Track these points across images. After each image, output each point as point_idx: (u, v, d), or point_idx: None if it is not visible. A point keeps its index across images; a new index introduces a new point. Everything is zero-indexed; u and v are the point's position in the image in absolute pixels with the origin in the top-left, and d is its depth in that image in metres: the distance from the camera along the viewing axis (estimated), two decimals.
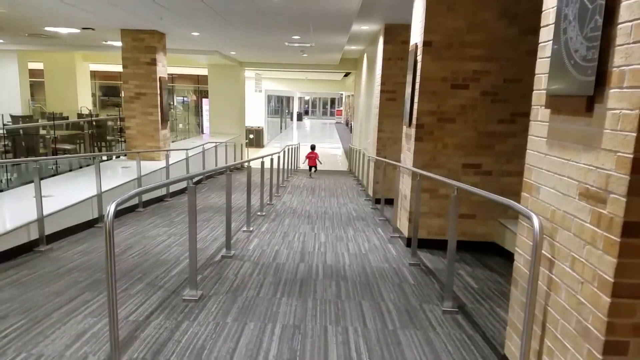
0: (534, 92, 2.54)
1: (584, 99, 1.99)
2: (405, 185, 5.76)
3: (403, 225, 5.79)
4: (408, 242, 5.45)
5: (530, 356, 2.35)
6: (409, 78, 5.60)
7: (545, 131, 2.38)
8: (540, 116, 2.45)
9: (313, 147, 14.71)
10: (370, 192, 9.29)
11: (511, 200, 2.58)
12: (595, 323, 1.86)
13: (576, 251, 2.03)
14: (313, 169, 14.45)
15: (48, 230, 5.20)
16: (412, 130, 5.38)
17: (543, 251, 2.31)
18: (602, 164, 1.87)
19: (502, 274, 4.68)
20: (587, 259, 1.94)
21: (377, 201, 8.29)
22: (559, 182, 2.21)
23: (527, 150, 2.58)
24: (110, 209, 2.22)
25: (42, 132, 9.23)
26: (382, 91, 8.73)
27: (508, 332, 2.69)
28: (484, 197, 3.15)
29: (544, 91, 2.39)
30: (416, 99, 5.26)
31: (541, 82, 2.46)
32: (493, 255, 5.30)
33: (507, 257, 5.14)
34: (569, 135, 2.14)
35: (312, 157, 14.32)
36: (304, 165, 15.68)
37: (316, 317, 3.42)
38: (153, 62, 9.64)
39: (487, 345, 3.09)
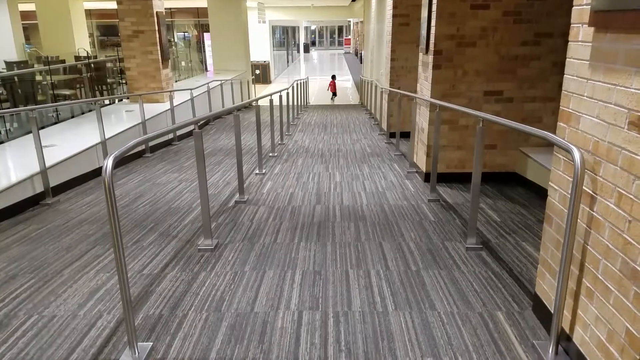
0: (574, 8, 2.22)
1: None
2: (422, 118, 5.48)
3: (420, 159, 5.58)
4: (426, 177, 5.26)
5: (566, 297, 2.21)
6: None
7: (588, 53, 2.09)
8: (581, 36, 2.15)
9: (334, 77, 20.33)
10: (384, 126, 9.00)
11: (547, 132, 2.33)
12: None
13: (624, 187, 1.82)
14: (333, 95, 19.49)
15: (53, 182, 5.08)
16: (430, 58, 5.02)
17: (583, 187, 2.10)
18: None
19: (525, 204, 4.51)
20: (637, 196, 1.74)
21: (392, 135, 8.04)
22: (603, 110, 1.96)
23: (565, 76, 2.29)
24: (108, 163, 2.02)
25: (38, 78, 8.87)
26: (394, 15, 8.18)
27: (539, 271, 2.55)
28: (505, 125, 2.90)
29: (587, 6, 2.07)
30: (433, 23, 4.86)
31: None
32: (514, 186, 5.12)
33: (529, 187, 4.96)
34: (618, 57, 1.86)
35: (333, 84, 19.78)
36: (314, 101, 18.28)
37: (336, 262, 3.31)
38: None
39: (515, 283, 2.97)
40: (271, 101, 7.33)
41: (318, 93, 20.93)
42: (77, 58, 11.29)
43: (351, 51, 52.92)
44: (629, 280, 1.77)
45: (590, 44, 2.07)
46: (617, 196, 1.86)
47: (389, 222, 4.10)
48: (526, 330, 2.47)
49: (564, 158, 2.31)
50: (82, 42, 15.27)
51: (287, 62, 39.04)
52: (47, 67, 9.11)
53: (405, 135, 7.65)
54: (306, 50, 55.19)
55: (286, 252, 3.49)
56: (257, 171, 6.05)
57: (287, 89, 9.61)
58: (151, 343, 2.40)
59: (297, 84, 12.44)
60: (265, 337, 2.45)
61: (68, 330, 2.56)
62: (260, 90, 19.88)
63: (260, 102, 6.22)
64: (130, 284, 3.05)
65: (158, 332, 2.52)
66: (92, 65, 10.68)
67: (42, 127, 7.11)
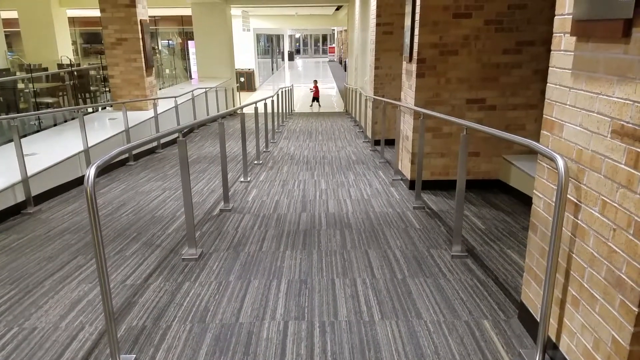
0: (556, 17, 2.25)
1: (620, 23, 1.73)
2: (406, 126, 5.51)
3: (405, 167, 5.60)
4: (411, 185, 5.28)
5: (552, 305, 2.22)
6: (408, 8, 5.20)
7: (570, 62, 2.12)
8: (563, 45, 2.18)
9: (315, 82, 19.75)
10: (369, 134, 9.03)
11: (530, 140, 2.36)
12: (630, 273, 1.70)
13: (607, 195, 1.83)
14: (315, 100, 19.10)
15: (35, 191, 4.98)
16: (413, 66, 5.05)
17: (568, 195, 2.12)
18: None
19: (509, 212, 4.55)
20: (621, 204, 1.75)
21: (377, 143, 8.06)
22: (586, 118, 1.98)
23: (548, 84, 2.32)
24: (90, 172, 1.98)
25: (20, 85, 8.73)
26: (378, 24, 8.25)
27: (525, 279, 2.56)
28: (488, 133, 2.92)
29: (569, 16, 2.11)
30: (416, 31, 4.90)
31: (565, 5, 2.17)
32: (498, 193, 5.16)
33: (513, 194, 5.00)
34: (599, 66, 1.89)
35: (316, 88, 19.26)
36: (299, 108, 18.27)
37: (322, 270, 3.29)
38: (132, 4, 9.00)
39: (500, 291, 2.98)
40: (256, 109, 7.30)
41: (303, 101, 20.95)
42: (60, 66, 11.15)
43: (335, 59, 53.19)
44: (614, 288, 1.78)
45: (572, 52, 2.10)
46: (601, 204, 1.88)
47: (375, 230, 4.09)
48: (512, 338, 2.47)
49: (548, 166, 2.32)
50: (65, 50, 15.08)
51: (272, 69, 39.08)
52: (30, 74, 8.97)
53: (390, 142, 7.69)
54: (291, 58, 55.33)
55: (272, 261, 3.46)
56: (242, 179, 6.01)
57: (272, 96, 9.59)
58: (134, 355, 2.35)
59: (282, 92, 12.44)
60: (250, 348, 2.41)
61: (49, 342, 2.49)
62: (245, 97, 19.84)
63: (245, 110, 6.20)
64: (113, 295, 2.98)
65: (141, 343, 2.46)
66: (75, 73, 10.55)
67: (24, 136, 6.99)
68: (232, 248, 3.72)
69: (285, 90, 13.82)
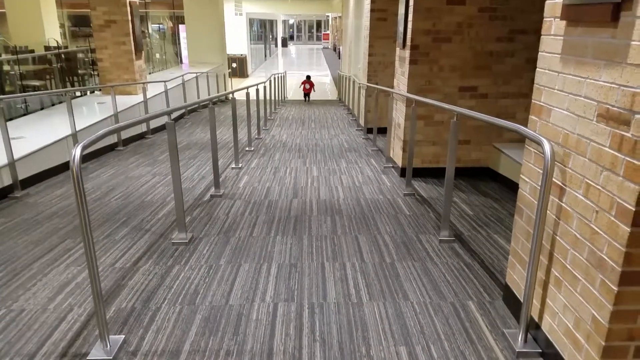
0: (547, 2, 2.26)
1: (609, 7, 1.74)
2: (398, 113, 5.52)
3: (397, 155, 5.61)
4: (402, 172, 5.30)
5: (535, 286, 2.26)
6: None
7: (560, 46, 2.13)
8: (554, 29, 2.19)
9: (308, 77, 16.74)
10: (362, 122, 9.03)
11: (518, 125, 2.38)
12: (611, 253, 1.73)
13: (592, 178, 1.86)
14: (307, 96, 16.58)
15: (22, 175, 4.94)
16: (407, 53, 5.05)
17: (553, 179, 2.14)
18: (627, 81, 1.65)
19: (497, 199, 4.59)
20: (604, 186, 1.78)
21: (369, 131, 8.07)
22: (573, 102, 2.00)
23: (537, 69, 2.34)
24: (76, 152, 1.98)
25: (6, 68, 8.58)
26: (372, 10, 8.20)
27: (510, 262, 2.60)
28: (479, 121, 2.94)
29: (560, 0, 2.11)
30: (410, 18, 4.89)
31: None
32: (487, 181, 5.20)
33: (502, 182, 5.05)
34: (588, 50, 1.90)
35: (308, 84, 16.49)
36: (292, 96, 17.86)
37: (312, 255, 3.31)
38: None
39: (486, 274, 3.02)
40: (247, 94, 7.26)
41: (296, 88, 20.84)
42: (47, 48, 10.97)
43: (329, 46, 52.89)
44: (596, 269, 1.81)
45: (562, 37, 2.11)
46: (585, 187, 1.91)
47: (365, 216, 4.12)
48: (497, 319, 2.51)
49: (535, 150, 2.35)
50: (52, 32, 14.84)
51: (265, 56, 38.75)
52: (15, 56, 8.83)
53: (383, 131, 7.69)
54: (284, 44, 54.92)
55: (262, 246, 3.47)
56: (234, 165, 5.99)
57: (264, 82, 9.54)
58: (123, 336, 2.36)
59: (275, 78, 12.37)
60: (240, 329, 2.43)
61: (37, 324, 2.49)
62: (237, 83, 19.69)
63: (237, 97, 6.16)
64: (102, 278, 2.99)
65: (130, 325, 2.47)
66: (63, 55, 10.40)
67: (11, 119, 6.90)
68: (222, 233, 3.73)
69: (278, 77, 13.74)
